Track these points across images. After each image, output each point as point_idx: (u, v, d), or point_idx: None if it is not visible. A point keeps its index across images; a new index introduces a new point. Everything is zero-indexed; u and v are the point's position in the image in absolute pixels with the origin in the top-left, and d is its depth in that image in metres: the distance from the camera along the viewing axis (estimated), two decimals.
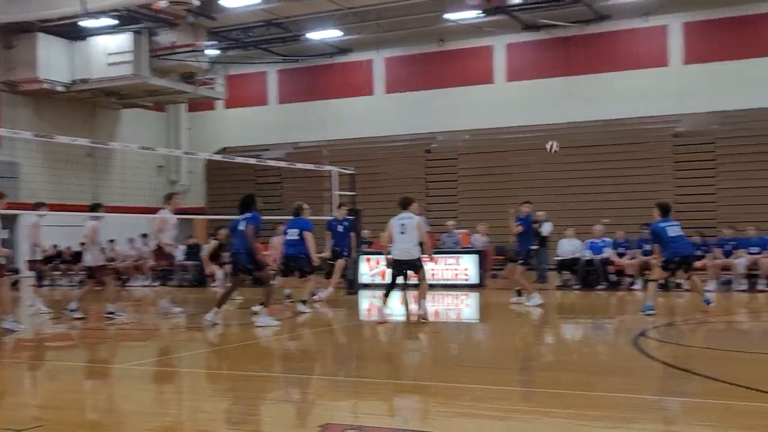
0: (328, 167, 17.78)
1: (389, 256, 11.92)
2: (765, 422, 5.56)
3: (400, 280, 12.55)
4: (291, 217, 14.05)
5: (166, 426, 5.79)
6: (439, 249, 20.00)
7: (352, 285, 17.43)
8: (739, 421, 5.47)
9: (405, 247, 11.71)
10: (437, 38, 28.78)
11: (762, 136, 23.33)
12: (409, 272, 12.22)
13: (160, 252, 13.95)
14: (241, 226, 11.35)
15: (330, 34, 28.02)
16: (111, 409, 6.46)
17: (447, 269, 19.27)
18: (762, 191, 22.65)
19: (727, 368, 7.56)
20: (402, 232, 11.69)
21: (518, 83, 28.01)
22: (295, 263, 13.67)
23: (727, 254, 17.09)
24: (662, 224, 12.11)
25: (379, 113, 29.66)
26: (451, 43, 28.79)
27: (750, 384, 6.51)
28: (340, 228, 15.74)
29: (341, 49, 30.26)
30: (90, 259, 13.06)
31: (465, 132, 28.04)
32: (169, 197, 14.09)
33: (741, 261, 16.72)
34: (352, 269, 17.43)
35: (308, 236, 13.47)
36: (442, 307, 15.26)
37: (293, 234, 13.63)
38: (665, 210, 12.26)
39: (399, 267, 11.93)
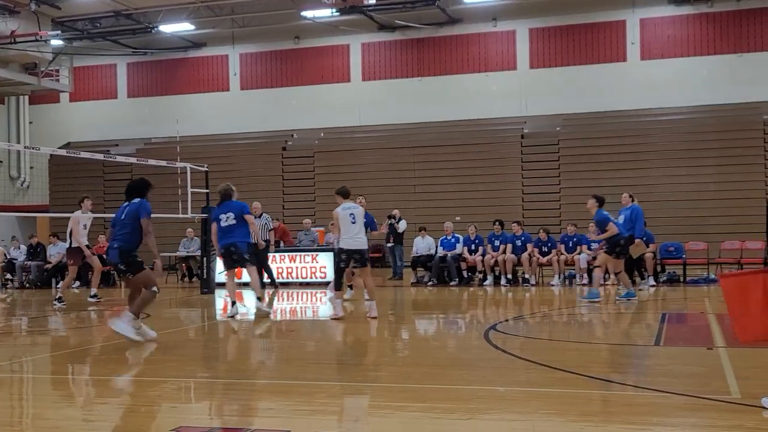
0: (180, 164, 17.34)
1: (341, 247, 11.63)
2: (603, 408, 5.90)
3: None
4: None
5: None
6: (296, 247, 20.01)
7: (208, 284, 17.11)
8: (580, 408, 5.77)
9: (358, 237, 11.58)
10: (294, 35, 28.70)
11: (601, 138, 24.69)
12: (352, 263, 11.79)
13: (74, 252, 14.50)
14: (124, 216, 9.56)
15: (183, 27, 27.39)
16: None
17: (304, 267, 19.26)
18: (600, 190, 23.93)
19: (566, 358, 7.96)
20: (353, 222, 11.54)
21: (373, 82, 28.36)
22: (237, 253, 12.30)
23: (571, 250, 17.96)
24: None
25: (235, 110, 29.29)
26: (307, 40, 28.78)
27: (584, 371, 6.90)
28: None
29: (195, 43, 29.64)
30: None
31: (321, 130, 28.11)
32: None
33: (582, 256, 17.62)
34: (206, 267, 17.11)
35: (250, 219, 12.46)
36: (298, 305, 15.23)
37: (228, 219, 12.26)
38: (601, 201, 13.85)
39: (350, 257, 11.61)
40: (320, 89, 28.69)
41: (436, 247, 18.94)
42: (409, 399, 6.23)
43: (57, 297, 14.64)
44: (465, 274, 18.47)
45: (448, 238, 18.86)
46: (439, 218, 22.00)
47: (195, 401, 6.56)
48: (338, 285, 11.95)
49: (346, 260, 11.67)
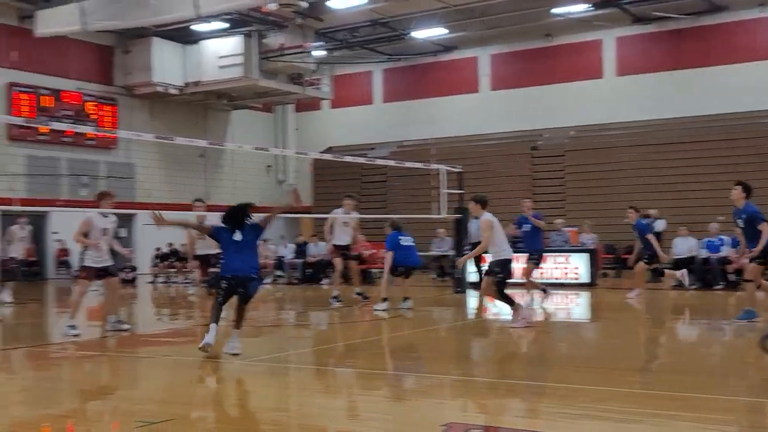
0: (436, 165, 17.71)
1: (499, 258, 10.98)
2: None
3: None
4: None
5: (290, 422, 5.90)
6: (548, 248, 19.72)
7: (460, 284, 17.34)
8: None
9: (507, 246, 11.12)
10: (544, 33, 28.34)
11: None
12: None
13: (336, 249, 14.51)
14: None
15: (435, 32, 28.01)
16: (236, 404, 6.61)
17: (556, 268, 18.96)
18: None
19: None
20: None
21: (628, 78, 27.32)
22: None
23: None
24: None
25: (485, 111, 29.47)
26: (558, 38, 28.32)
27: None
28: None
29: (446, 46, 30.20)
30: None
31: (572, 128, 27.53)
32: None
33: None
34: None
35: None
36: (552, 306, 15.01)
37: (408, 241, 13.67)
38: None
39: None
40: (571, 87, 28.11)
41: (698, 248, 17.85)
42: (680, 408, 5.91)
43: (334, 295, 14.48)
44: (732, 277, 17.24)
45: (713, 240, 17.72)
46: (696, 218, 20.76)
47: (459, 399, 6.66)
48: (509, 299, 10.82)
49: (510, 271, 10.97)
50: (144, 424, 5.56)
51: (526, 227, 14.93)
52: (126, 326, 10.81)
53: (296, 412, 6.26)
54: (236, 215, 8.74)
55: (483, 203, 10.87)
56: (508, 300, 10.77)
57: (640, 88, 26.86)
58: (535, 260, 14.84)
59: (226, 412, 6.27)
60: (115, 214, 11.04)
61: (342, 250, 14.69)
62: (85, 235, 10.36)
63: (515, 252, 11.50)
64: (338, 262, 14.70)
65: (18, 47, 25.28)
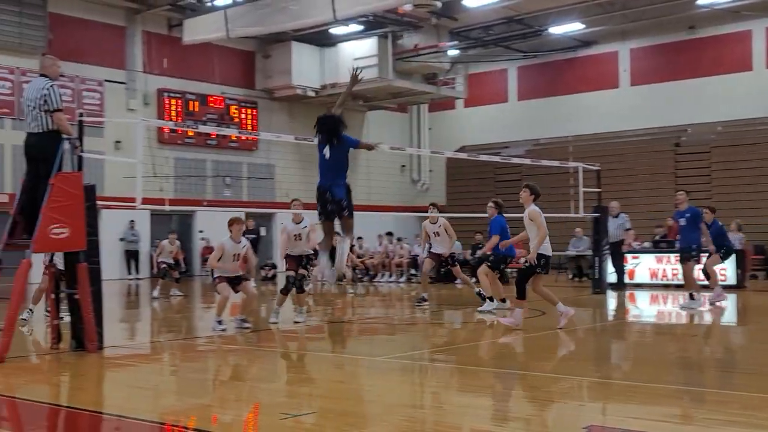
0: (572, 164, 17.34)
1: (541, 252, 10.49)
2: None
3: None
4: None
5: (428, 419, 5.91)
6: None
7: (599, 284, 16.90)
8: None
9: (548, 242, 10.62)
10: (687, 25, 27.23)
11: None
12: None
13: None
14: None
15: (572, 27, 27.43)
16: (375, 400, 6.69)
17: (701, 269, 18.12)
18: None
19: None
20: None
21: None
22: None
23: None
24: None
25: (625, 107, 28.62)
26: (703, 30, 27.14)
27: None
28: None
29: (584, 42, 29.52)
30: None
31: (718, 124, 26.31)
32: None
33: None
34: (598, 267, 16.92)
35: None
36: (697, 308, 14.38)
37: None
38: None
39: (548, 263, 10.62)
40: (717, 80, 26.88)
41: None
42: None
43: (420, 297, 14.40)
44: None
45: None
46: None
47: (600, 401, 6.48)
48: (522, 293, 10.57)
49: (544, 266, 10.52)
50: (287, 416, 5.70)
51: (682, 221, 13.93)
52: (248, 325, 11.17)
53: (434, 410, 6.27)
54: (326, 125, 8.72)
55: (536, 194, 10.65)
56: (521, 294, 10.53)
57: None
58: (691, 257, 13.64)
59: (365, 407, 6.34)
60: (247, 237, 11.57)
61: (436, 258, 14.48)
62: (219, 258, 10.83)
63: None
64: (428, 262, 14.57)
65: (167, 55, 26.57)
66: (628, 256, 19.07)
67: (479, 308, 13.01)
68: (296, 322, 11.63)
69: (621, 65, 29.20)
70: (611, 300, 15.97)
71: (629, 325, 12.66)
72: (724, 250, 14.24)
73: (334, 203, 8.56)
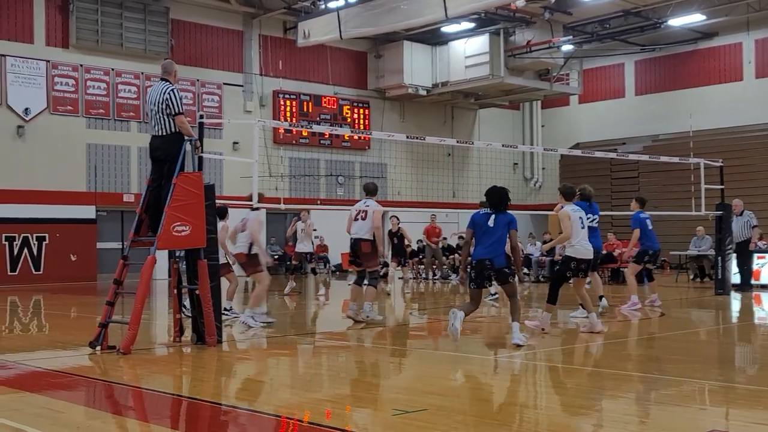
0: (694, 160, 16.71)
1: (569, 255, 10.16)
2: None
3: None
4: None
5: (541, 419, 5.84)
6: None
7: (722, 285, 16.23)
8: None
9: (587, 243, 10.19)
10: None
11: None
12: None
13: None
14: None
15: (693, 18, 26.45)
16: (486, 398, 6.65)
17: None
18: None
19: None
20: (582, 227, 10.12)
21: None
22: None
23: None
24: None
25: (749, 100, 27.41)
26: None
27: None
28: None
29: (705, 33, 28.43)
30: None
31: None
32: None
33: None
34: (721, 267, 16.25)
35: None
36: None
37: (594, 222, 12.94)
38: None
39: (578, 267, 10.14)
40: None
41: None
42: None
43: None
44: None
45: None
46: None
47: (722, 405, 6.23)
48: (554, 298, 10.11)
49: (575, 270, 10.12)
50: (400, 413, 5.74)
51: None
52: (270, 320, 11.71)
53: (547, 409, 6.18)
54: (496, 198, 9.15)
55: (567, 195, 10.44)
56: (551, 299, 10.11)
57: None
58: None
59: (476, 405, 6.31)
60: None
61: None
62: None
63: None
64: None
65: (283, 57, 27.20)
66: (754, 256, 18.26)
67: (572, 314, 12.28)
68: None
69: (745, 57, 27.98)
70: (735, 301, 15.32)
71: (754, 328, 12.11)
72: None
73: (495, 271, 8.96)
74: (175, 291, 9.55)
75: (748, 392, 6.64)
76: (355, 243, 11.35)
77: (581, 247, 10.07)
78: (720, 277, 16.32)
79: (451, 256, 23.24)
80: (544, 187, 33.11)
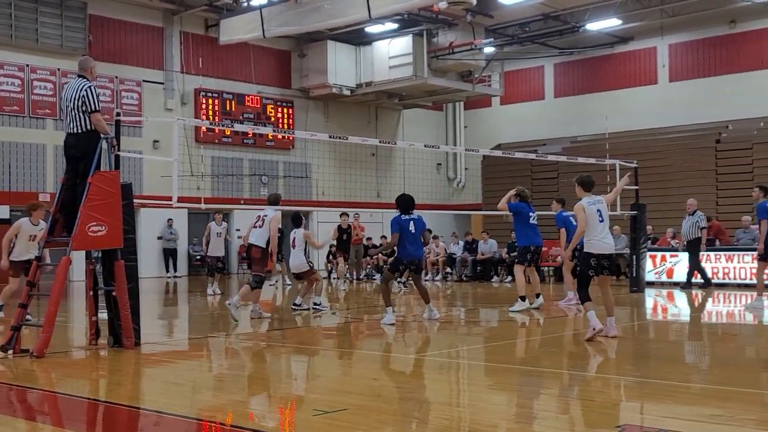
0: (609, 161, 17.18)
1: (588, 251, 9.46)
2: None
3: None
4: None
5: (462, 417, 5.90)
6: (734, 246, 18.70)
7: (637, 283, 16.72)
8: None
9: (607, 238, 9.47)
10: (729, 20, 26.84)
11: None
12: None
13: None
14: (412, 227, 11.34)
15: (610, 23, 27.16)
16: (407, 397, 6.69)
17: (742, 267, 17.90)
18: None
19: None
20: (601, 220, 9.37)
21: None
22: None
23: None
24: None
25: (664, 103, 28.30)
26: (744, 24, 26.73)
27: None
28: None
29: (622, 38, 29.23)
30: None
31: (761, 119, 25.86)
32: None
33: None
34: (635, 265, 16.74)
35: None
36: (735, 307, 14.19)
37: (535, 219, 13.33)
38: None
39: (600, 263, 9.48)
40: (759, 75, 26.45)
41: None
42: None
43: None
44: None
45: None
46: None
47: (635, 400, 6.41)
48: (586, 296, 9.54)
49: (596, 267, 9.45)
50: (320, 413, 5.73)
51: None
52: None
53: (468, 407, 6.25)
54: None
55: (584, 186, 9.63)
56: (585, 297, 9.51)
57: None
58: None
59: (396, 404, 6.35)
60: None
61: None
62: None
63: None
64: None
65: (204, 55, 26.83)
66: (667, 255, 18.87)
67: (511, 308, 13.02)
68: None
69: (660, 61, 28.87)
70: (649, 299, 15.80)
71: (665, 324, 12.50)
72: None
73: (416, 264, 11.57)
74: (91, 293, 9.34)
75: (660, 387, 6.84)
76: (249, 248, 12.44)
77: (599, 242, 9.36)
78: (635, 275, 16.82)
79: (375, 256, 23.30)
80: (467, 187, 33.53)
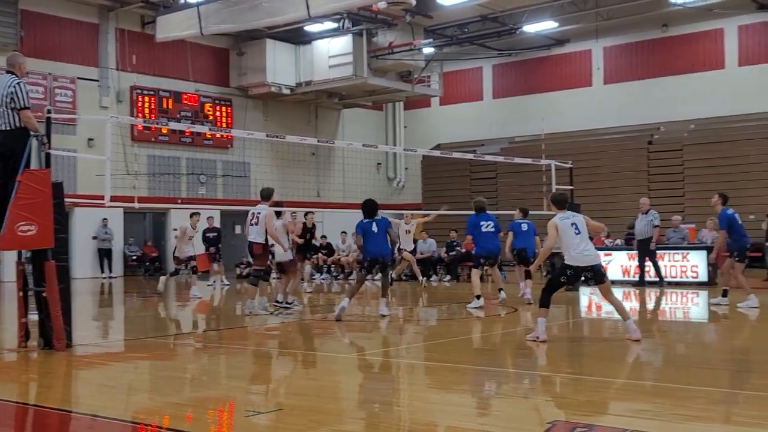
0: (545, 161, 17.45)
1: (567, 263, 9.32)
2: None
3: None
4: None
5: (400, 416, 5.93)
6: (665, 245, 19.15)
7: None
8: None
9: (586, 251, 9.29)
10: (661, 24, 27.49)
11: None
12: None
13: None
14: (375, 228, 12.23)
15: (546, 25, 27.57)
16: (345, 397, 6.70)
17: (673, 266, 18.37)
18: None
19: None
20: (577, 233, 9.26)
21: (751, 67, 26.17)
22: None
23: None
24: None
25: (599, 105, 28.84)
26: (676, 28, 27.41)
27: None
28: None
29: (558, 40, 29.69)
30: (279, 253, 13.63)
31: (691, 122, 26.57)
32: None
33: None
34: None
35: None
36: (667, 305, 14.55)
37: (489, 227, 13.80)
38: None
39: (578, 274, 9.49)
40: (690, 78, 27.16)
41: None
42: None
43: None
44: None
45: None
46: None
47: (567, 397, 6.53)
48: (546, 301, 9.46)
49: (570, 276, 9.40)
50: (253, 413, 5.70)
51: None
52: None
53: (402, 405, 6.29)
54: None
55: (556, 204, 9.62)
56: (545, 302, 9.44)
57: (766, 78, 25.65)
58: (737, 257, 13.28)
59: (332, 403, 6.35)
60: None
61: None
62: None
63: None
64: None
65: (140, 52, 26.40)
66: (601, 254, 19.21)
67: (468, 305, 13.42)
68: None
69: (594, 63, 29.40)
70: (584, 297, 16.09)
71: (600, 322, 12.75)
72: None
73: (383, 263, 12.44)
74: (21, 294, 9.11)
75: (591, 383, 6.99)
76: (249, 245, 12.90)
77: (578, 254, 9.23)
78: None
79: (315, 256, 23.22)
80: (407, 187, 33.65)
